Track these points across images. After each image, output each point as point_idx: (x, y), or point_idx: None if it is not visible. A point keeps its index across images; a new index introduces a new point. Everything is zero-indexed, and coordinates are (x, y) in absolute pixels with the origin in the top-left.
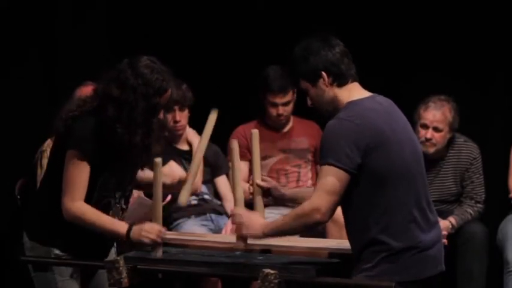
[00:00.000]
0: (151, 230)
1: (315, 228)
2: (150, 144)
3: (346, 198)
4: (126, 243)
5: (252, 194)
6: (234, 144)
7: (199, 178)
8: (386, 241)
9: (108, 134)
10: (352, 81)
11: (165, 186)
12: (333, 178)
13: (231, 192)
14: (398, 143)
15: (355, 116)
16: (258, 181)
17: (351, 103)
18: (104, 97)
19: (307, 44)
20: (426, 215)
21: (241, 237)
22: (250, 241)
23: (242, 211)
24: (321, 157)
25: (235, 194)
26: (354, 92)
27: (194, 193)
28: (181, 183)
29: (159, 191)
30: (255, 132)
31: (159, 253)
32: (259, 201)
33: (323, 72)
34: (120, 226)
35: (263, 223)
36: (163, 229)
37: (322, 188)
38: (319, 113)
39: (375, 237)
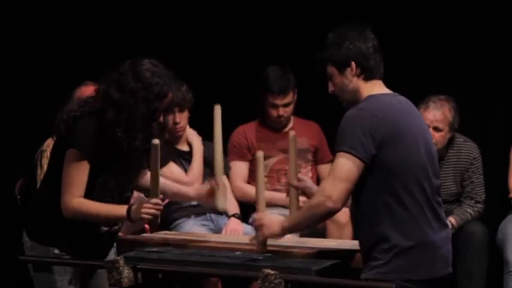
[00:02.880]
0: (149, 205)
1: (329, 218)
2: (149, 148)
3: (358, 192)
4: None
5: (288, 195)
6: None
7: (199, 179)
8: (396, 238)
9: (108, 137)
10: (378, 79)
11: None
12: (346, 165)
13: (231, 193)
14: (413, 141)
15: (374, 108)
16: (294, 182)
17: (372, 96)
18: (104, 99)
19: (343, 31)
20: (437, 214)
21: (262, 242)
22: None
23: (262, 214)
24: (336, 144)
25: (258, 197)
26: (376, 88)
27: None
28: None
29: (157, 167)
30: (293, 135)
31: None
32: (294, 202)
33: (353, 63)
34: (119, 209)
35: (280, 221)
36: (160, 200)
37: (335, 174)
38: (339, 100)
39: (386, 233)
